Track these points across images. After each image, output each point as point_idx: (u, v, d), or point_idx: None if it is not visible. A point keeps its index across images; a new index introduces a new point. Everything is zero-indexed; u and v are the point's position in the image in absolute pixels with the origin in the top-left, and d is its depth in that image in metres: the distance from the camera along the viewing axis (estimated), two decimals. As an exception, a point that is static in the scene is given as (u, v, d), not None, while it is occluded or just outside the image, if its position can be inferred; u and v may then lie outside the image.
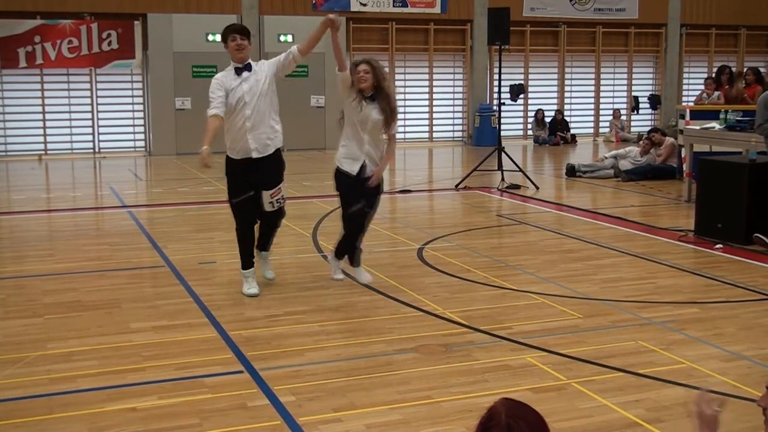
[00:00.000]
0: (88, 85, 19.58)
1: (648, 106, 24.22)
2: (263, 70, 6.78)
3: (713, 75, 15.32)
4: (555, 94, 23.62)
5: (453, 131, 22.84)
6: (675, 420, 4.28)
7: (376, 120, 6.77)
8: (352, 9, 21.11)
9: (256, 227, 6.98)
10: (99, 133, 19.72)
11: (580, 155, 18.94)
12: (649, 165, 14.22)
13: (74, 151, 19.57)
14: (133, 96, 19.97)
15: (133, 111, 19.98)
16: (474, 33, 22.09)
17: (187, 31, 19.28)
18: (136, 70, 19.72)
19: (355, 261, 7.15)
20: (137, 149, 19.91)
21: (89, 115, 19.61)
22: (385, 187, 13.52)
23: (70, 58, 18.94)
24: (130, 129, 20.04)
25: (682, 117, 13.49)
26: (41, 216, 11.25)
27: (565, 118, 23.03)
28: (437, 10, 21.79)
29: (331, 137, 20.17)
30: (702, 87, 15.63)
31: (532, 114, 22.86)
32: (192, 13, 19.48)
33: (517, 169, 13.81)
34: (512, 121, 22.86)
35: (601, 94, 24.14)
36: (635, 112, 24.14)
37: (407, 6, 21.51)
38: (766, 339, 5.65)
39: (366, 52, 21.43)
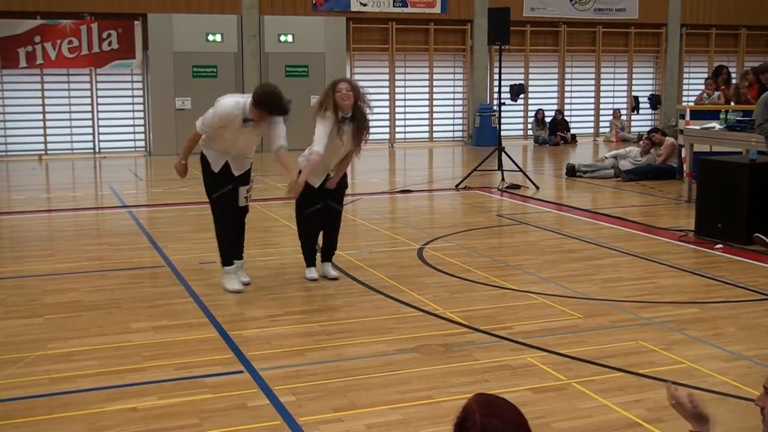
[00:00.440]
0: (88, 85, 19.58)
1: (648, 106, 24.21)
2: (263, 129, 6.86)
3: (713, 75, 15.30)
4: (555, 94, 23.62)
5: (453, 131, 22.84)
6: (675, 420, 4.26)
7: (352, 143, 7.01)
8: (353, 9, 21.11)
9: None
10: (99, 133, 19.72)
11: (581, 155, 18.94)
12: (650, 165, 14.22)
13: (74, 151, 19.57)
14: (133, 96, 19.97)
15: (134, 111, 19.98)
16: (474, 33, 22.09)
17: (188, 31, 19.29)
18: (137, 70, 19.72)
19: (328, 256, 7.38)
20: (137, 149, 19.91)
21: (89, 115, 19.61)
22: (386, 188, 13.62)
23: (70, 58, 18.94)
24: (131, 129, 20.05)
25: (683, 117, 13.49)
26: (41, 216, 11.24)
27: (566, 118, 23.03)
28: (437, 10, 21.79)
29: (331, 137, 20.12)
30: (702, 87, 15.63)
31: (533, 114, 22.87)
32: (192, 13, 19.48)
33: (518, 169, 13.82)
34: (512, 121, 22.86)
35: (602, 94, 24.14)
36: (635, 112, 24.13)
37: (407, 6, 21.51)
38: (767, 339, 5.65)
39: (366, 53, 21.48)
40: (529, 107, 23.10)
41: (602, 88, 24.13)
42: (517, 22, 20.40)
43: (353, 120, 6.93)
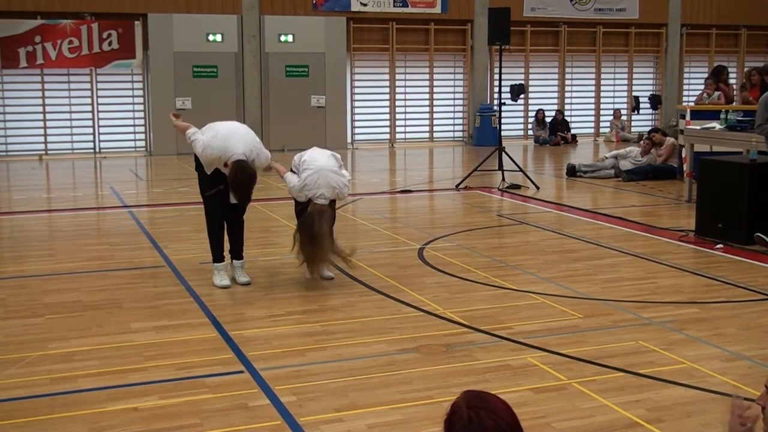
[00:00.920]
0: (88, 85, 19.58)
1: (648, 106, 24.22)
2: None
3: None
4: (555, 94, 23.62)
5: (453, 131, 22.84)
6: (675, 420, 4.28)
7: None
8: (353, 9, 21.11)
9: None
10: (99, 133, 19.72)
11: (581, 155, 18.94)
12: (650, 165, 14.22)
13: (75, 151, 19.58)
14: (133, 96, 19.97)
15: (134, 111, 19.99)
16: (474, 33, 22.09)
17: (188, 31, 19.30)
18: (137, 70, 19.73)
19: None
20: (138, 149, 19.91)
21: (90, 115, 19.61)
22: (386, 188, 13.62)
23: (70, 58, 18.95)
24: (131, 129, 20.05)
25: (683, 117, 13.49)
26: (42, 216, 11.25)
27: (566, 118, 23.03)
28: (438, 10, 21.79)
29: (331, 137, 20.20)
30: (702, 87, 15.63)
31: (533, 114, 22.87)
32: (192, 13, 19.49)
33: (518, 169, 13.82)
34: (513, 121, 22.86)
35: (602, 94, 24.14)
36: (636, 112, 24.14)
37: (408, 6, 21.52)
38: (767, 339, 5.66)
39: (366, 53, 21.49)
40: (530, 107, 23.11)
41: (602, 88, 24.14)
42: (517, 22, 20.41)
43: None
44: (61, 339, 5.67)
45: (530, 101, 23.04)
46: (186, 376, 4.92)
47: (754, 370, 5.02)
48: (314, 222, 6.65)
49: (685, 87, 24.72)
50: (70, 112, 19.50)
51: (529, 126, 23.12)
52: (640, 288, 6.99)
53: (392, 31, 21.52)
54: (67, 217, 11.16)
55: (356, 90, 21.70)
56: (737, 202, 8.73)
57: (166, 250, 8.58)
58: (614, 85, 24.39)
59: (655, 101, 24.11)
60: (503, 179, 13.37)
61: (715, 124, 11.12)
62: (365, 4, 21.20)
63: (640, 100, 24.10)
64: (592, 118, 24.18)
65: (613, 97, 24.34)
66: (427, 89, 22.30)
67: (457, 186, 13.44)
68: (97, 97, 19.63)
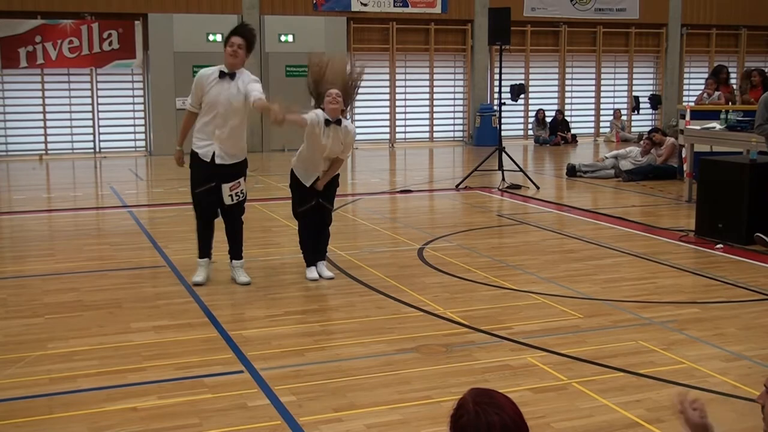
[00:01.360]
0: (88, 85, 19.57)
1: (649, 106, 24.21)
2: (242, 87, 6.83)
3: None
4: (556, 94, 23.61)
5: (453, 131, 22.84)
6: (676, 420, 4.26)
7: (338, 147, 7.07)
8: (353, 9, 21.11)
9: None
10: (100, 133, 19.72)
11: (581, 155, 18.93)
12: (650, 165, 14.22)
13: (75, 151, 19.57)
14: (133, 96, 19.97)
15: (134, 111, 19.98)
16: (475, 33, 22.08)
17: (188, 31, 19.29)
18: (137, 70, 19.73)
19: (321, 255, 7.42)
20: (138, 149, 19.91)
21: (90, 115, 19.60)
22: (386, 187, 13.62)
23: (70, 58, 18.95)
24: (131, 129, 20.04)
25: (683, 117, 13.49)
26: (42, 216, 11.24)
27: (566, 118, 23.02)
28: (438, 10, 21.79)
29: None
30: (702, 87, 15.62)
31: (533, 114, 22.86)
32: (193, 13, 19.48)
33: (518, 169, 13.82)
34: (513, 121, 22.86)
35: (602, 94, 24.14)
36: (636, 112, 24.13)
37: (408, 6, 21.52)
38: (767, 339, 5.65)
39: (366, 53, 21.46)
40: (530, 107, 23.10)
41: (603, 88, 24.13)
42: (517, 22, 20.40)
43: (339, 124, 7.02)
44: (61, 339, 5.66)
45: (530, 101, 23.03)
46: (185, 376, 4.92)
47: (754, 370, 5.02)
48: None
49: (685, 87, 24.72)
50: (71, 112, 19.50)
51: (530, 126, 23.12)
52: (640, 288, 6.99)
53: (392, 31, 21.52)
54: (67, 216, 11.16)
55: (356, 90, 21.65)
56: (737, 202, 8.72)
57: (166, 250, 8.58)
58: (614, 85, 24.38)
59: (655, 101, 24.11)
60: (503, 179, 13.37)
61: (716, 124, 11.12)
62: (365, 4, 21.21)
63: (641, 100, 24.09)
64: (593, 118, 24.18)
65: (614, 97, 24.34)
66: (427, 89, 22.29)
67: (458, 186, 13.44)
68: (98, 97, 19.63)
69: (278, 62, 20.21)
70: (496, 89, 15.05)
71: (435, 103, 22.37)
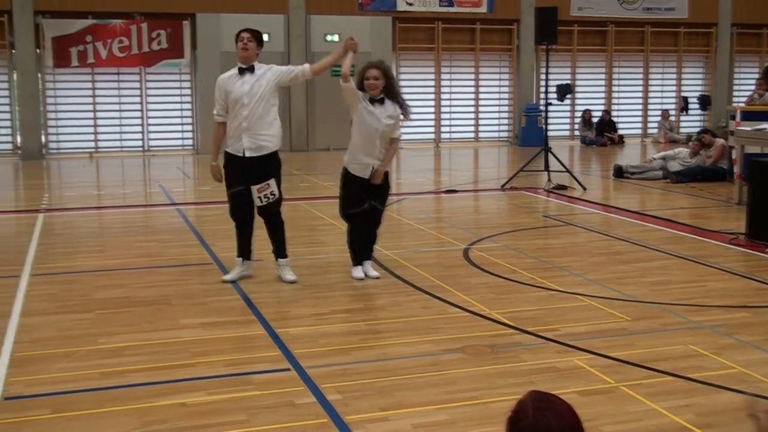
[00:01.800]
0: (137, 84, 19.85)
1: (698, 106, 23.89)
2: (267, 75, 7.00)
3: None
4: (602, 95, 23.41)
5: (499, 131, 22.76)
6: (726, 426, 4.21)
7: (387, 124, 7.03)
8: (399, 8, 21.12)
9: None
10: (148, 132, 19.98)
11: (628, 156, 18.75)
12: (699, 166, 14.03)
13: (124, 149, 19.87)
14: (181, 95, 20.21)
15: (182, 109, 20.22)
16: (521, 32, 21.98)
17: (235, 30, 19.05)
18: (185, 69, 19.96)
19: (368, 255, 7.43)
20: (185, 147, 20.13)
21: (139, 114, 19.89)
22: (431, 187, 13.61)
23: (120, 57, 19.23)
24: (179, 127, 20.29)
25: (733, 118, 13.28)
26: (92, 213, 11.43)
27: (613, 118, 22.81)
28: (484, 9, 21.72)
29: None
30: (753, 87, 15.37)
31: (579, 114, 22.68)
32: (240, 13, 19.63)
33: (564, 170, 13.72)
34: (559, 122, 22.71)
35: (650, 94, 23.87)
36: (685, 113, 23.82)
37: (453, 5, 21.47)
38: (820, 345, 5.55)
39: (412, 52, 21.48)
40: (576, 107, 22.93)
41: (651, 88, 23.87)
42: (564, 21, 20.23)
43: (383, 104, 7.05)
44: (111, 334, 5.75)
45: (577, 101, 22.86)
46: (233, 373, 4.96)
47: (807, 376, 4.93)
48: None
49: (735, 87, 24.35)
50: (120, 110, 19.79)
51: (576, 126, 22.94)
52: (689, 291, 6.90)
53: (438, 30, 21.49)
54: (116, 214, 11.33)
55: (402, 89, 21.65)
56: (790, 205, 8.57)
57: (213, 247, 8.66)
58: (662, 85, 24.10)
59: (704, 102, 23.78)
60: (549, 180, 13.28)
61: (766, 126, 10.93)
62: (411, 4, 21.21)
63: (689, 100, 23.78)
64: (640, 119, 23.93)
65: (662, 97, 24.05)
66: (472, 89, 22.23)
67: (503, 186, 13.38)
68: (146, 95, 19.90)
69: (324, 62, 20.26)
70: (542, 89, 14.97)
71: (480, 103, 22.31)
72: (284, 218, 7.31)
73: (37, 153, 19.00)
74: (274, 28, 19.97)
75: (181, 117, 20.24)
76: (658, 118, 23.43)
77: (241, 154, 6.97)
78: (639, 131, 23.85)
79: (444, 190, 13.31)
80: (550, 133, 16.17)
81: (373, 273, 7.30)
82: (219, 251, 8.42)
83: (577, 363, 5.11)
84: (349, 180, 7.16)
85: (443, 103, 22.07)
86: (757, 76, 20.15)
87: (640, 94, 23.85)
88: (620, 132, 22.59)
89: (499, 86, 22.60)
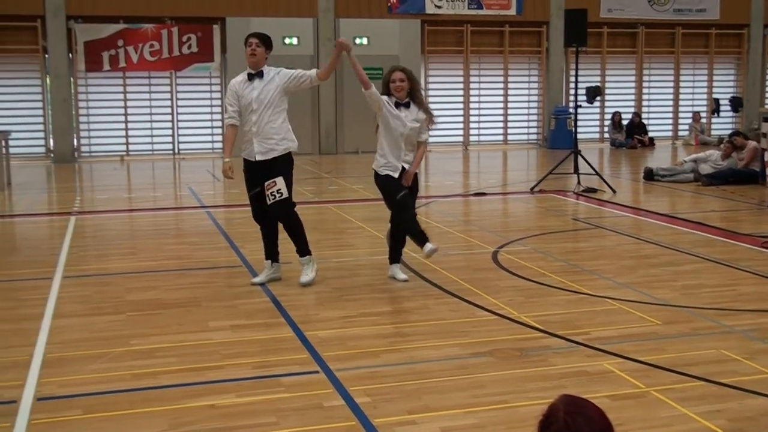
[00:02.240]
0: (168, 88, 20.03)
1: (729, 108, 23.66)
2: (275, 80, 7.09)
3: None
4: (632, 97, 23.26)
5: (528, 134, 22.69)
6: (759, 431, 4.17)
7: (413, 127, 7.06)
8: (427, 11, 21.13)
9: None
10: (179, 135, 20.14)
11: (659, 159, 18.60)
12: (731, 169, 13.89)
13: (155, 152, 20.03)
14: (211, 98, 20.35)
15: (212, 113, 20.36)
16: (550, 35, 21.90)
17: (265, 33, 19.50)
18: (215, 73, 20.09)
19: (396, 258, 7.43)
20: (215, 150, 20.26)
21: (169, 117, 20.06)
22: (460, 190, 13.59)
23: (151, 61, 19.41)
24: (209, 130, 20.43)
25: (766, 120, 13.14)
26: (123, 215, 11.54)
27: (643, 120, 22.65)
28: (512, 11, 21.67)
29: (405, 139, 20.24)
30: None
31: (609, 116, 22.55)
32: (269, 17, 19.74)
33: (594, 173, 13.64)
34: (588, 124, 22.61)
35: (681, 96, 23.69)
36: (716, 115, 23.62)
37: (482, 8, 21.44)
38: None
39: (441, 55, 21.47)
40: (606, 110, 22.80)
41: (681, 90, 23.68)
42: (593, 23, 20.12)
43: (408, 107, 7.08)
44: (143, 336, 5.80)
45: (606, 103, 22.74)
46: (263, 375, 4.99)
47: (841, 381, 4.86)
48: None
49: (767, 89, 24.07)
50: (151, 114, 19.97)
51: (606, 129, 22.81)
52: (720, 295, 6.83)
53: (467, 33, 21.47)
54: (147, 216, 11.43)
55: (430, 92, 21.70)
56: (823, 208, 8.46)
57: (242, 250, 8.72)
58: (693, 87, 23.90)
59: (736, 104, 23.55)
60: (579, 182, 13.21)
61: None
62: (439, 7, 21.20)
63: (721, 102, 23.56)
64: (671, 121, 23.74)
65: (693, 99, 23.85)
66: (501, 91, 22.18)
67: (532, 189, 13.33)
68: (177, 99, 20.06)
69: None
70: (572, 91, 14.91)
71: (509, 105, 22.26)
72: (303, 219, 7.35)
73: (70, 156, 19.22)
74: (303, 32, 20.07)
75: (211, 120, 20.38)
76: (689, 121, 23.24)
77: (253, 159, 7.11)
78: (669, 133, 23.67)
79: (473, 192, 13.29)
80: (579, 136, 16.10)
81: (402, 276, 7.31)
82: (248, 254, 8.47)
83: (607, 367, 5.08)
84: (382, 177, 7.12)
85: (472, 105, 22.04)
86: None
87: (671, 96, 23.67)
88: (650, 134, 22.44)
89: (528, 88, 22.53)
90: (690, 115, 23.30)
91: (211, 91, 20.32)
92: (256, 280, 7.26)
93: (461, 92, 21.93)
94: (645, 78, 23.28)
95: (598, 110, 22.58)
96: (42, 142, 19.51)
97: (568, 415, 2.09)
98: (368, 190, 12.20)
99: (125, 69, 19.39)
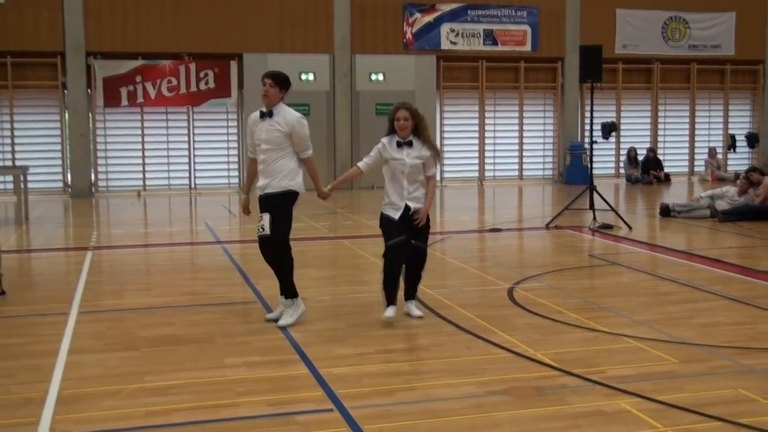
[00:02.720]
0: (185, 123, 20.19)
1: (745, 144, 23.60)
2: (281, 125, 7.10)
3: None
4: (648, 132, 23.26)
5: (543, 169, 22.70)
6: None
7: (414, 164, 7.09)
8: (443, 47, 21.27)
9: None
10: (195, 170, 20.26)
11: (675, 195, 18.54)
12: (747, 205, 13.83)
13: (171, 186, 20.15)
14: (228, 133, 20.49)
15: (228, 148, 20.50)
16: (565, 71, 21.98)
17: (281, 69, 19.61)
18: (232, 109, 20.25)
19: (411, 294, 7.40)
20: (231, 185, 20.37)
21: (186, 152, 20.19)
22: (475, 226, 13.58)
23: (168, 97, 19.59)
24: (225, 165, 20.54)
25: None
26: (139, 250, 11.57)
27: (659, 156, 22.62)
28: (527, 48, 21.78)
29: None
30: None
31: (625, 152, 22.53)
32: (286, 53, 19.92)
33: (610, 209, 13.61)
34: (604, 159, 22.60)
35: (696, 131, 23.67)
36: (732, 151, 23.56)
37: (497, 44, 21.57)
38: None
39: (456, 91, 21.58)
40: (621, 145, 22.80)
41: (697, 125, 23.67)
42: (608, 59, 20.17)
43: (411, 145, 7.10)
44: (157, 372, 5.79)
45: (622, 139, 22.75)
46: (277, 413, 4.96)
47: None
48: None
49: (784, 125, 24.05)
50: (168, 149, 20.13)
51: (621, 164, 22.79)
52: (738, 333, 6.77)
53: (482, 69, 21.58)
54: (163, 251, 11.46)
55: (446, 127, 21.79)
56: (842, 246, 8.40)
57: (257, 286, 8.71)
58: (709, 122, 23.88)
59: (752, 139, 23.49)
60: (594, 218, 13.17)
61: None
62: (455, 43, 21.34)
63: (737, 138, 23.51)
64: (686, 157, 23.71)
65: (708, 135, 23.83)
66: (516, 127, 22.24)
67: (548, 225, 13.30)
68: (194, 134, 20.21)
69: (368, 101, 20.46)
70: (587, 127, 14.92)
71: (524, 140, 22.30)
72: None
73: (87, 191, 19.36)
74: (319, 68, 20.22)
75: (227, 155, 20.50)
76: (705, 156, 23.18)
77: (257, 195, 7.23)
78: (685, 169, 23.62)
79: (488, 228, 13.27)
80: (594, 171, 16.08)
81: (417, 312, 7.28)
82: (263, 289, 8.47)
83: (624, 406, 5.03)
84: (384, 218, 7.17)
85: (487, 140, 22.09)
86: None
87: (686, 132, 23.65)
88: (666, 170, 22.40)
89: (544, 124, 22.58)
90: (706, 150, 23.26)
91: (227, 127, 20.47)
92: (271, 316, 7.25)
93: (476, 127, 22.00)
94: (660, 114, 23.30)
95: (613, 146, 22.59)
96: (60, 176, 19.67)
97: None
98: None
99: (143, 104, 19.57)
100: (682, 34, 22.71)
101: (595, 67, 13.84)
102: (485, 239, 12.48)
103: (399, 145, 7.09)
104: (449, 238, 12.23)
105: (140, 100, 19.47)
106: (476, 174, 22.10)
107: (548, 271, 9.51)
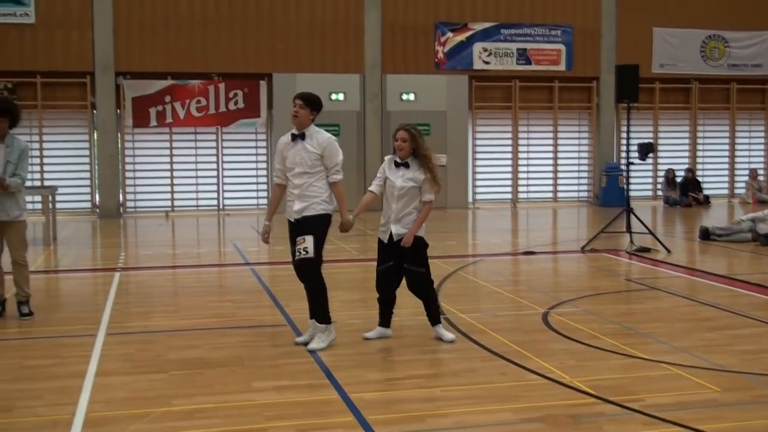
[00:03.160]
0: (214, 144, 20.21)
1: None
2: (315, 146, 7.02)
3: None
4: (686, 153, 22.95)
5: (578, 191, 22.43)
6: None
7: (405, 187, 7.04)
8: (475, 67, 21.15)
9: None
10: (224, 191, 20.26)
11: (715, 217, 18.23)
12: (789, 228, 13.51)
13: (200, 207, 20.15)
14: (257, 154, 20.48)
15: (257, 169, 20.48)
16: (600, 90, 21.76)
17: (311, 90, 19.40)
18: (261, 129, 20.25)
19: (433, 320, 7.27)
20: (260, 207, 20.32)
21: (215, 173, 20.20)
22: (508, 249, 13.38)
23: (197, 117, 19.64)
24: (254, 186, 20.52)
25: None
26: (167, 272, 11.51)
27: (698, 177, 22.29)
28: (562, 67, 21.60)
29: (452, 196, 20.16)
30: None
31: (663, 174, 22.22)
32: (316, 73, 19.90)
33: (647, 232, 13.34)
34: (641, 181, 22.32)
35: (737, 152, 23.30)
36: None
37: (531, 63, 21.42)
38: None
39: (489, 111, 21.45)
40: (659, 166, 22.50)
41: (737, 146, 23.31)
42: (645, 78, 19.95)
43: (408, 167, 7.05)
44: (185, 396, 5.67)
45: (660, 160, 22.45)
46: (305, 440, 4.82)
47: None
48: None
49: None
50: (196, 169, 20.15)
51: (659, 186, 22.47)
52: (784, 361, 6.53)
53: (515, 88, 21.43)
54: (190, 273, 11.39)
55: (478, 148, 21.63)
56: None
57: (287, 308, 8.60)
58: (750, 143, 23.51)
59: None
60: (631, 242, 12.92)
61: None
62: (488, 62, 21.21)
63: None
64: (726, 179, 23.34)
65: (749, 156, 23.44)
66: (551, 148, 22.03)
67: (583, 248, 13.07)
68: (222, 155, 20.22)
69: (399, 121, 20.15)
70: (623, 148, 14.69)
71: (559, 162, 22.08)
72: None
73: (115, 211, 19.41)
74: (349, 88, 20.18)
75: (257, 176, 20.48)
76: (746, 178, 22.81)
77: (292, 219, 7.07)
78: (726, 191, 23.24)
79: (522, 251, 13.07)
80: (631, 193, 15.88)
81: (448, 336, 7.12)
82: (292, 312, 8.35)
83: (666, 437, 4.83)
84: (378, 240, 7.27)
85: (521, 162, 21.90)
86: None
87: (726, 153, 23.29)
88: (706, 192, 22.05)
89: (579, 145, 22.34)
90: (747, 172, 22.88)
91: (257, 147, 20.46)
92: (300, 339, 7.11)
93: (510, 148, 21.81)
94: (699, 134, 22.98)
95: (650, 167, 22.29)
96: (88, 197, 19.75)
97: None
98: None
99: (172, 125, 19.63)
100: (721, 53, 22.41)
101: (632, 87, 13.65)
102: (519, 262, 12.28)
103: (397, 165, 7.06)
104: (482, 261, 12.05)
105: (169, 120, 19.52)
106: (509, 196, 21.90)
107: (584, 296, 9.30)
